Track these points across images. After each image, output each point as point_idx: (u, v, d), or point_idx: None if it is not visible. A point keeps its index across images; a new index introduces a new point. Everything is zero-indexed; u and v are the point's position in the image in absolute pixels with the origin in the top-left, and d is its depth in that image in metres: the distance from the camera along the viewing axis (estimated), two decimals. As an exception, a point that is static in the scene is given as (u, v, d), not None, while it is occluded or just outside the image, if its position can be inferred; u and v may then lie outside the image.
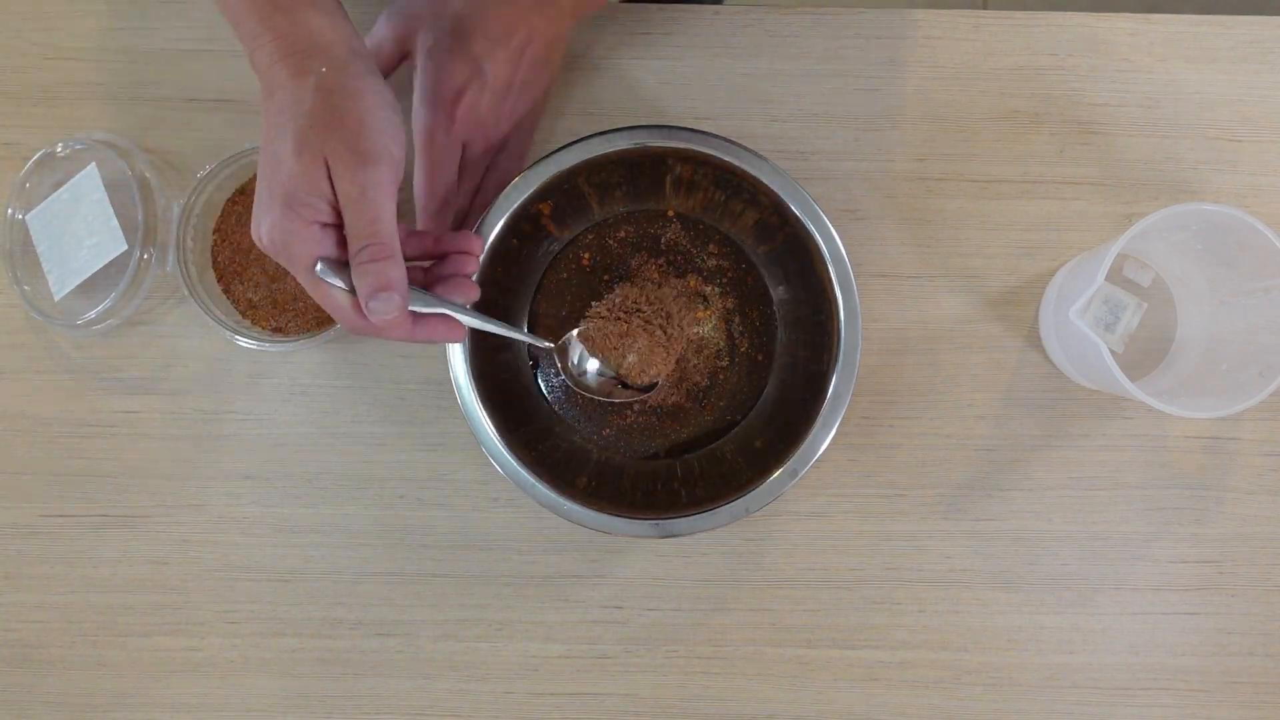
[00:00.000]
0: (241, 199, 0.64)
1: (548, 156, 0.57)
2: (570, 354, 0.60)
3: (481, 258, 0.56)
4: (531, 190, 0.57)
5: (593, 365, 0.59)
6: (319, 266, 0.46)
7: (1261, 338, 0.56)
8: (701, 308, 0.62)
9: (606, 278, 0.63)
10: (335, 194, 0.46)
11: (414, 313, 0.50)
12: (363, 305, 0.46)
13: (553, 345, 0.60)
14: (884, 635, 0.62)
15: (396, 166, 0.47)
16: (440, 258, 0.53)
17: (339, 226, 0.47)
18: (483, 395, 0.57)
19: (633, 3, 0.66)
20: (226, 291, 0.64)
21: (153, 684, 0.63)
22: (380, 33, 0.58)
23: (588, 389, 0.60)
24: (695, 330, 0.62)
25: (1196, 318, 0.62)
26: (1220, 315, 0.60)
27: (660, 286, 0.62)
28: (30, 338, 0.65)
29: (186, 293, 0.62)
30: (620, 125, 0.57)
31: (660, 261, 0.63)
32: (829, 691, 0.62)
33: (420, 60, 0.56)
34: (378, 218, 0.46)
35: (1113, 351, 0.55)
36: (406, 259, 0.48)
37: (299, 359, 0.64)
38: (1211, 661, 0.62)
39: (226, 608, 0.63)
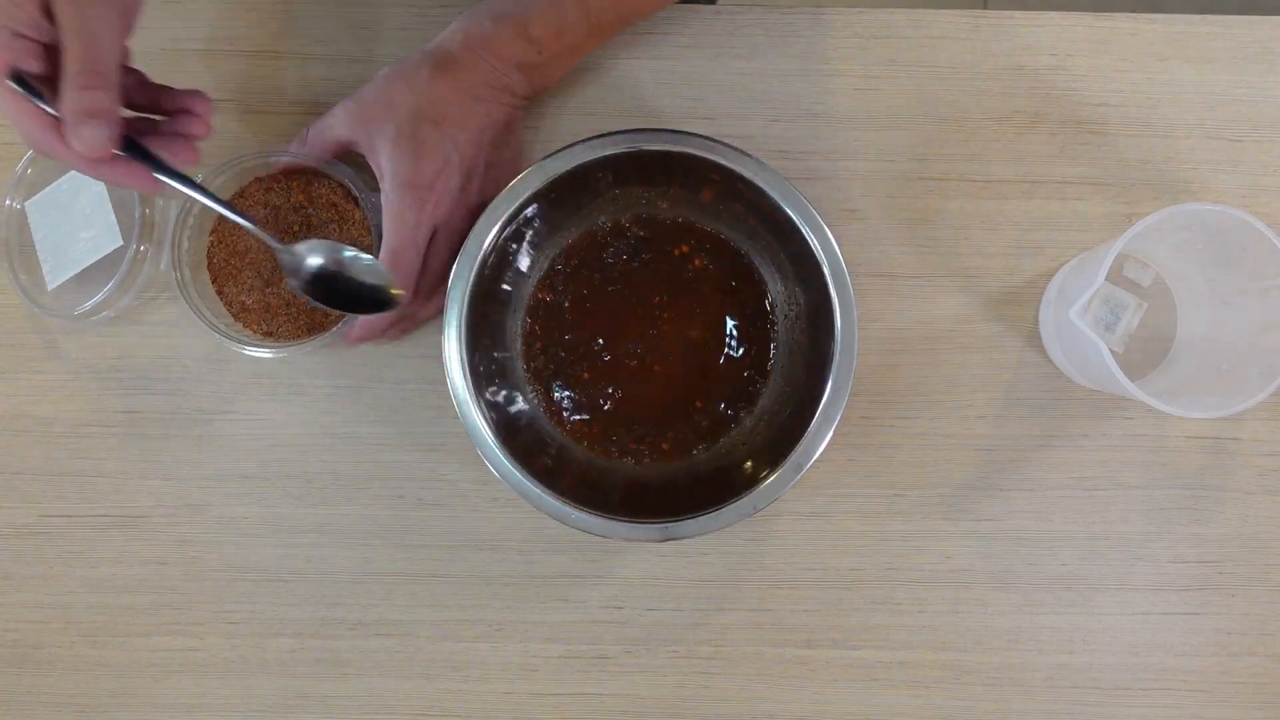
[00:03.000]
0: (240, 200, 0.64)
1: (536, 165, 0.57)
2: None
3: (477, 262, 0.57)
4: (519, 200, 0.57)
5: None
6: (11, 77, 0.44)
7: (1261, 338, 0.56)
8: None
9: (600, 280, 0.63)
10: (51, 19, 0.44)
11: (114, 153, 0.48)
12: (69, 129, 0.45)
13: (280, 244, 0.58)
14: (884, 635, 0.62)
15: (128, 9, 0.46)
16: (171, 114, 0.53)
17: (46, 48, 0.45)
18: (479, 404, 0.57)
19: None
20: (220, 293, 0.63)
21: (153, 684, 0.63)
22: (335, 118, 0.59)
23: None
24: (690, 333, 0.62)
25: (1196, 318, 0.62)
26: (1220, 315, 0.60)
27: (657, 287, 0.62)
28: (30, 338, 0.65)
29: (177, 292, 0.61)
30: (613, 130, 0.57)
31: (655, 262, 0.63)
32: (829, 691, 0.62)
33: (387, 149, 0.57)
34: (97, 44, 0.44)
35: (1113, 351, 0.55)
36: (134, 108, 0.49)
37: (298, 359, 0.64)
38: (1211, 661, 0.62)
39: (226, 608, 0.63)
